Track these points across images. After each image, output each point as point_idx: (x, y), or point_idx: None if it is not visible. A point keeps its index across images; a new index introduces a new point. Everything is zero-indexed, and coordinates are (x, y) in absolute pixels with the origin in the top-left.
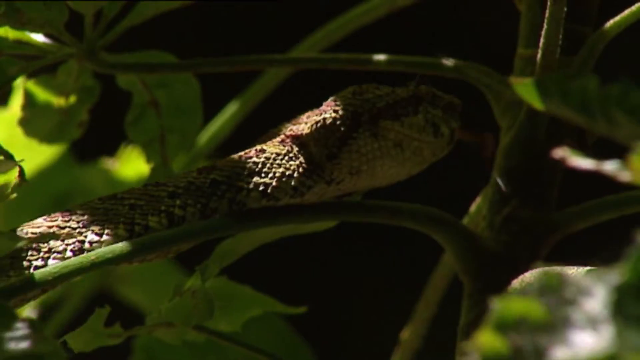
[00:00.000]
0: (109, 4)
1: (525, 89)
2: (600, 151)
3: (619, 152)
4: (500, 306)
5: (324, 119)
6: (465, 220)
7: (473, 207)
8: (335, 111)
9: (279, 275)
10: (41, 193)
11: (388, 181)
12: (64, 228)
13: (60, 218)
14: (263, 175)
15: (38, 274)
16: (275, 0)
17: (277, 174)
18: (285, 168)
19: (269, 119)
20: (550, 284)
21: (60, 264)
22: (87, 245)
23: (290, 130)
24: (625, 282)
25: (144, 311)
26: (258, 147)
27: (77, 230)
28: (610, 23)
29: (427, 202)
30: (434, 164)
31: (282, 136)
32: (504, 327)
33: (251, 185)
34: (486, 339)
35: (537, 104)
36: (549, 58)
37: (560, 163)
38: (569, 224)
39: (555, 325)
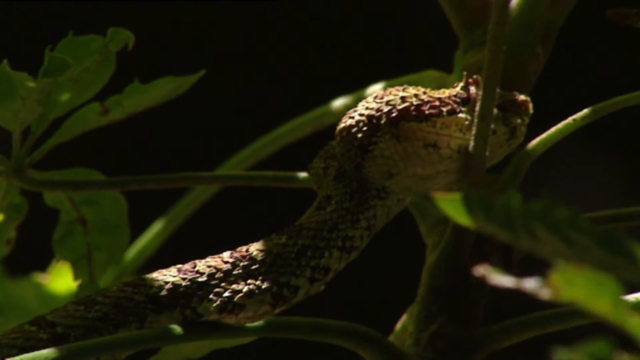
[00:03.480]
0: (37, 122)
1: (450, 205)
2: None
3: None
4: None
5: (341, 128)
6: (392, 337)
7: (399, 324)
8: (352, 117)
9: None
10: None
11: (440, 182)
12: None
13: None
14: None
15: None
16: (202, 118)
17: (348, 222)
18: (350, 212)
19: (195, 235)
20: None
21: None
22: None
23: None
24: None
25: None
26: (324, 193)
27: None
28: (535, 141)
29: (355, 318)
30: (359, 278)
31: (334, 172)
32: None
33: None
34: None
35: (461, 219)
36: (475, 175)
37: (487, 281)
38: (494, 342)
39: None
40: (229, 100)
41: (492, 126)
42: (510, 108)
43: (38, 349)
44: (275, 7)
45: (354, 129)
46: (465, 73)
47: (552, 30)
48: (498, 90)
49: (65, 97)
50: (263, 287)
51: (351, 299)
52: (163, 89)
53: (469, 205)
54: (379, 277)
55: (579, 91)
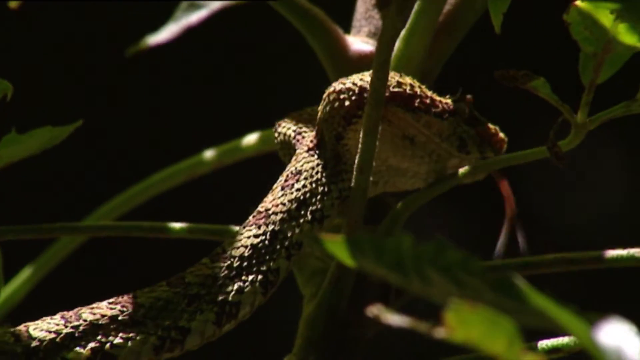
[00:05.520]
0: None
1: (337, 247)
2: None
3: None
4: None
5: (330, 92)
6: None
7: None
8: (343, 84)
9: None
10: None
11: (408, 181)
12: None
13: None
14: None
15: None
16: (68, 170)
17: (318, 194)
18: (322, 184)
19: (62, 284)
20: None
21: None
22: None
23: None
24: None
25: None
26: (292, 168)
27: None
28: (413, 196)
29: None
30: (235, 328)
31: (308, 142)
32: None
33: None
34: None
35: (349, 262)
36: (353, 227)
37: (365, 331)
38: None
39: None
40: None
41: (468, 146)
42: (487, 138)
43: None
44: (150, 56)
45: (343, 96)
46: (461, 88)
47: (429, 80)
48: (482, 118)
49: None
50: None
51: (227, 350)
52: (40, 138)
53: (359, 248)
54: (255, 328)
55: None
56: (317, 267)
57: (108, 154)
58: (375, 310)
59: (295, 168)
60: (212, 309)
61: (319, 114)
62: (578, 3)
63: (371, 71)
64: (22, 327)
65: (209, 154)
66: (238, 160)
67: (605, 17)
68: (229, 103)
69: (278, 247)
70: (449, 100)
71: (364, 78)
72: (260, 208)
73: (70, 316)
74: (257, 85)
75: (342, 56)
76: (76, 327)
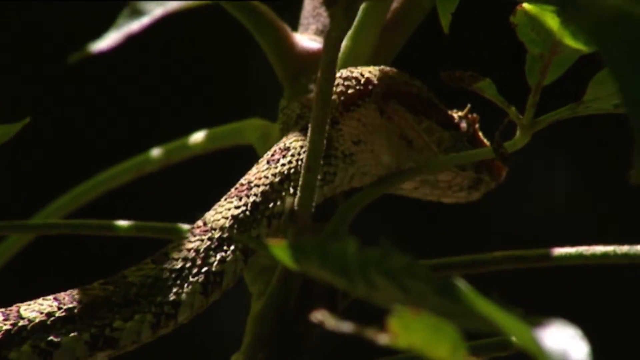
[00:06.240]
0: None
1: (284, 251)
2: None
3: None
4: None
5: (337, 76)
6: None
7: None
8: (351, 72)
9: None
10: None
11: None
12: None
13: None
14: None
15: None
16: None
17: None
18: None
19: (10, 284)
20: None
21: None
22: None
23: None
24: None
25: None
26: (282, 144)
27: None
28: (361, 193)
29: None
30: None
31: (304, 123)
32: None
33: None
34: None
35: (293, 266)
36: (302, 223)
37: (313, 328)
38: None
39: None
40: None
41: (464, 173)
42: (486, 161)
43: None
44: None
45: (347, 82)
46: (469, 106)
47: None
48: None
49: None
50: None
51: (175, 347)
52: None
53: (304, 252)
54: (203, 326)
55: None
56: (265, 264)
57: (56, 152)
58: (319, 315)
59: (285, 144)
60: (198, 281)
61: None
62: (525, 5)
63: (382, 67)
64: (13, 307)
65: (156, 152)
66: (186, 158)
67: (552, 20)
68: (178, 102)
69: (259, 217)
70: (455, 114)
71: (372, 72)
72: (243, 180)
73: (64, 298)
74: (205, 84)
75: (290, 54)
76: (70, 309)
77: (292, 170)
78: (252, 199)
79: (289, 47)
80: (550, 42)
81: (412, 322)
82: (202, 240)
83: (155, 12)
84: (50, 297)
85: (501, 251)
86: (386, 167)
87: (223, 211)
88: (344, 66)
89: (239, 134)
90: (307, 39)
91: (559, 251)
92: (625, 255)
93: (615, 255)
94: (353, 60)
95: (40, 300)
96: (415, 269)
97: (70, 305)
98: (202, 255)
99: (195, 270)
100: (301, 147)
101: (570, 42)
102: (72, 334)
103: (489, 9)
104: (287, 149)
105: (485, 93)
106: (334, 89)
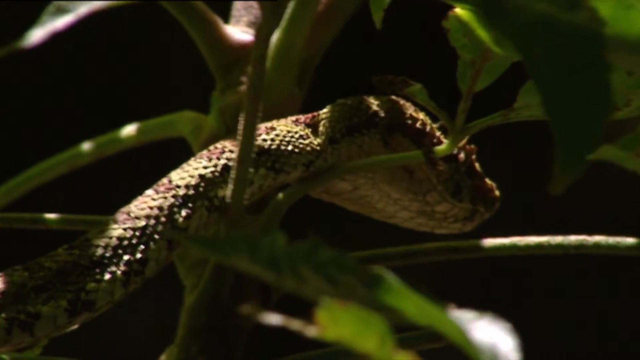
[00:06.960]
0: None
1: (212, 245)
2: None
3: None
4: None
5: (343, 103)
6: None
7: None
8: (360, 102)
9: None
10: None
11: (398, 212)
12: None
13: None
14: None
15: None
16: None
17: (284, 152)
18: (294, 145)
19: None
20: None
21: None
22: None
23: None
24: None
25: None
26: (269, 124)
27: None
28: (295, 188)
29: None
30: (117, 318)
31: (304, 118)
32: None
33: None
34: None
35: (224, 260)
36: (234, 215)
37: (246, 322)
38: None
39: None
40: None
41: (462, 194)
42: (482, 192)
43: None
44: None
45: (354, 111)
46: (467, 137)
47: (309, 70)
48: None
49: None
50: None
51: (107, 339)
52: None
53: (233, 246)
54: (136, 319)
55: None
56: (199, 257)
57: None
58: (248, 309)
59: (272, 125)
60: (164, 239)
61: (327, 112)
62: (457, 11)
63: (389, 97)
64: None
65: (87, 145)
66: (119, 151)
67: (482, 27)
68: (110, 94)
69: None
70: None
71: (379, 104)
72: (218, 145)
73: (34, 265)
74: (136, 75)
75: (222, 46)
76: (43, 277)
77: (272, 147)
78: (222, 161)
79: (221, 38)
80: (482, 48)
81: (339, 315)
82: (165, 198)
83: (80, 10)
84: (19, 266)
85: (435, 242)
86: (387, 197)
87: (190, 170)
88: (276, 58)
89: (171, 126)
90: (239, 31)
91: (492, 242)
92: (560, 246)
93: (550, 245)
94: (285, 51)
95: (8, 271)
96: (344, 261)
97: (42, 274)
98: (166, 213)
99: (160, 228)
100: (289, 132)
101: (497, 49)
102: (50, 302)
103: (426, 10)
104: (274, 128)
105: (416, 98)
106: (341, 112)
